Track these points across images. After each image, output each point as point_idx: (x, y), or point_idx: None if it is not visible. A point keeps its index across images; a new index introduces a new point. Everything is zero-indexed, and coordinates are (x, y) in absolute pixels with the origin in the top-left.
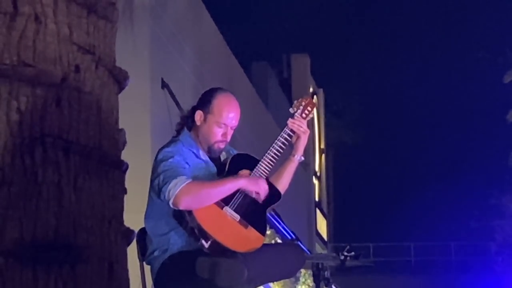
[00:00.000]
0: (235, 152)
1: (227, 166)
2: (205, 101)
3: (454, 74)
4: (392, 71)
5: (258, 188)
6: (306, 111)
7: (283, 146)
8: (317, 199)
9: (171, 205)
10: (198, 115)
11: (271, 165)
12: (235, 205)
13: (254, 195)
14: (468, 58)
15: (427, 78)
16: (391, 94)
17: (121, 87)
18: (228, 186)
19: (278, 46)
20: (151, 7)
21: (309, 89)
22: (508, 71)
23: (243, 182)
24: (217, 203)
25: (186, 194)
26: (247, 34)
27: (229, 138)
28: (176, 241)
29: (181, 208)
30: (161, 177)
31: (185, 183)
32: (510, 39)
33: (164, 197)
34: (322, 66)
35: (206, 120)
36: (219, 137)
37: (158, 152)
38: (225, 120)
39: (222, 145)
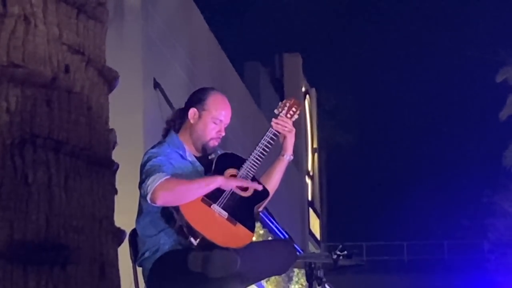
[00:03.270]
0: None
1: (213, 165)
2: (198, 99)
3: (447, 73)
4: (385, 70)
5: (232, 184)
6: (291, 112)
7: (269, 146)
8: (310, 198)
9: (149, 201)
10: (192, 112)
11: (257, 164)
12: (223, 203)
13: (237, 191)
14: (461, 57)
15: (420, 77)
16: (383, 94)
17: (111, 87)
18: (205, 183)
19: (270, 45)
20: (142, 7)
21: (302, 88)
22: (500, 70)
23: (220, 181)
24: (204, 201)
25: (163, 190)
26: (239, 33)
27: (222, 134)
28: (166, 241)
29: (158, 203)
30: (143, 175)
31: (163, 179)
32: (503, 38)
33: (144, 192)
34: (315, 65)
35: (201, 117)
36: (213, 134)
37: (144, 155)
38: (221, 116)
39: (216, 143)
